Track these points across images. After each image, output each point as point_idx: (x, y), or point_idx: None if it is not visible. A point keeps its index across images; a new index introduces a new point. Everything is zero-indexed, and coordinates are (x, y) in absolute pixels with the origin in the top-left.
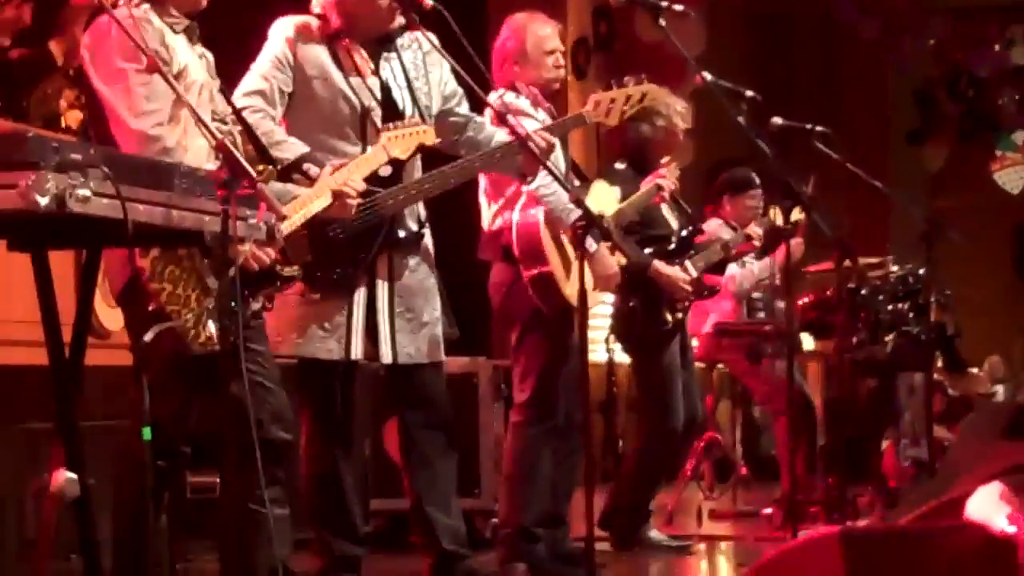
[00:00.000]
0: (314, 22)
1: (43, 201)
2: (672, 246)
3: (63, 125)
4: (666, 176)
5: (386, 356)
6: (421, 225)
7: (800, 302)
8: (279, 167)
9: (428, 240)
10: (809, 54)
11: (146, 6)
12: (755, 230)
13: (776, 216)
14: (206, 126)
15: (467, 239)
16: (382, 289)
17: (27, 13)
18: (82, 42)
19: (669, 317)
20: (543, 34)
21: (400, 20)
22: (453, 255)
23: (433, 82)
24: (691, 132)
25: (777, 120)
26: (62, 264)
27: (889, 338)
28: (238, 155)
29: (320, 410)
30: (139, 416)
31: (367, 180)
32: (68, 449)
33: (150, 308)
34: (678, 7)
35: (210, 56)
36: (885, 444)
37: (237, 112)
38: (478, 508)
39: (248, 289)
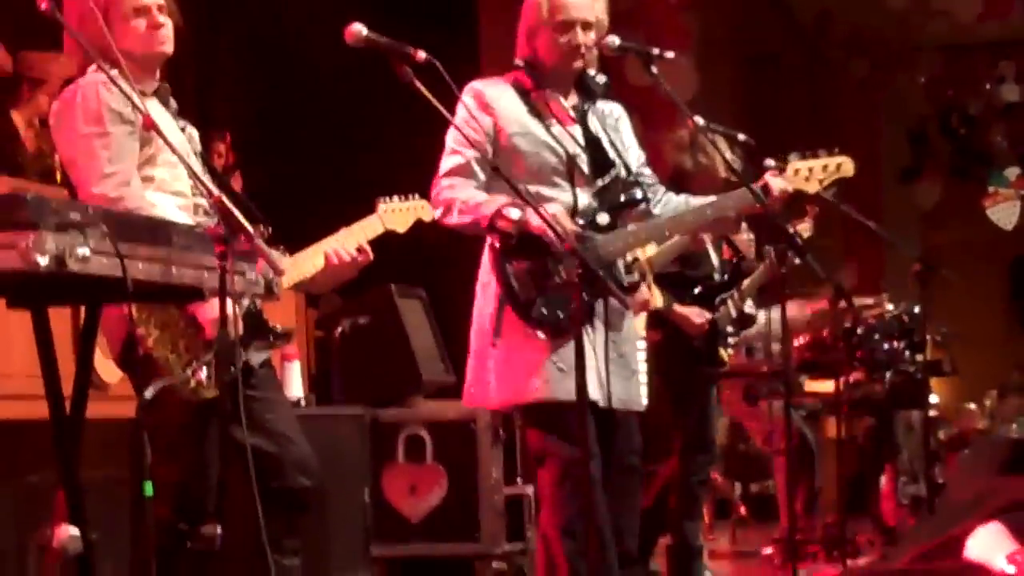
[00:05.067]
0: (505, 80)
1: (43, 261)
2: (715, 282)
3: (58, 180)
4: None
5: (601, 400)
6: (631, 273)
7: (796, 342)
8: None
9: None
10: (800, 94)
11: (115, 71)
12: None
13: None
14: (202, 181)
15: (462, 281)
16: (599, 334)
17: (8, 61)
18: (51, 111)
19: (725, 355)
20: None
21: (602, 77)
22: (447, 297)
23: (628, 143)
24: None
25: (770, 162)
26: (60, 318)
27: (886, 376)
28: (235, 211)
29: (566, 451)
30: (141, 472)
31: (584, 226)
32: (70, 503)
33: (138, 353)
34: (669, 54)
35: (194, 131)
36: (883, 482)
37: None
38: (479, 553)
39: (242, 344)
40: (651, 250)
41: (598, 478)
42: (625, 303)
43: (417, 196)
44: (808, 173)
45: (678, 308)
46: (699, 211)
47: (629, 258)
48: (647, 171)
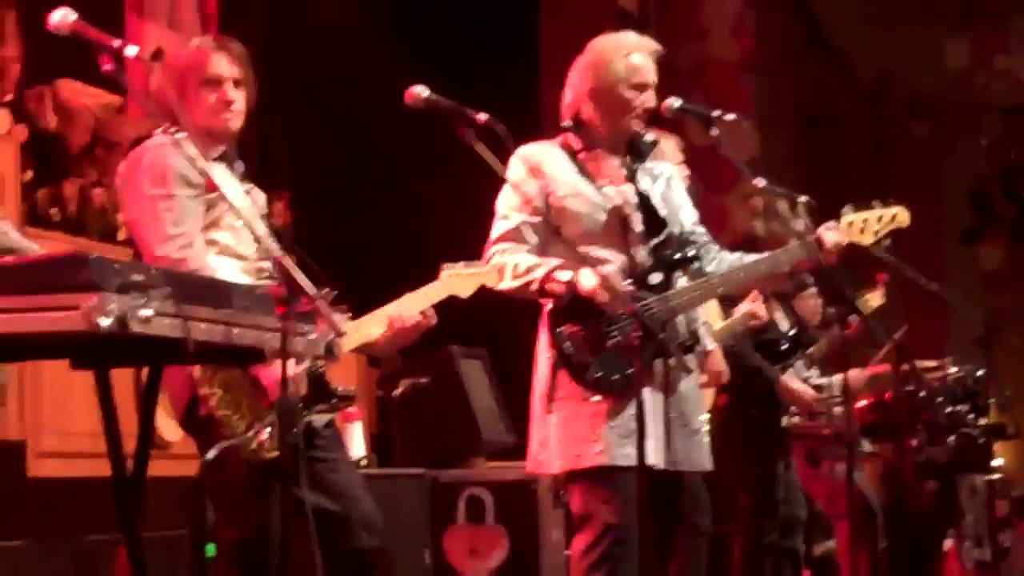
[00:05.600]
0: (554, 143)
1: (105, 323)
2: (784, 346)
3: (120, 238)
4: (757, 304)
5: (662, 463)
6: (693, 332)
7: (858, 405)
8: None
9: (703, 348)
10: (862, 154)
11: (182, 134)
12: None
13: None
14: (265, 243)
15: (524, 342)
16: (659, 396)
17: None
18: (119, 167)
19: (787, 422)
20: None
21: (650, 136)
22: (509, 358)
23: (680, 201)
24: None
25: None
26: (123, 376)
27: (949, 440)
28: (296, 272)
29: (611, 516)
30: (202, 531)
31: (636, 286)
32: (132, 563)
33: (201, 413)
34: (729, 116)
35: (260, 194)
36: (948, 547)
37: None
38: None
39: (304, 405)
40: (718, 324)
41: (635, 547)
42: (685, 366)
43: (481, 262)
44: (863, 225)
45: (791, 384)
46: (751, 266)
47: (700, 326)
48: (700, 229)
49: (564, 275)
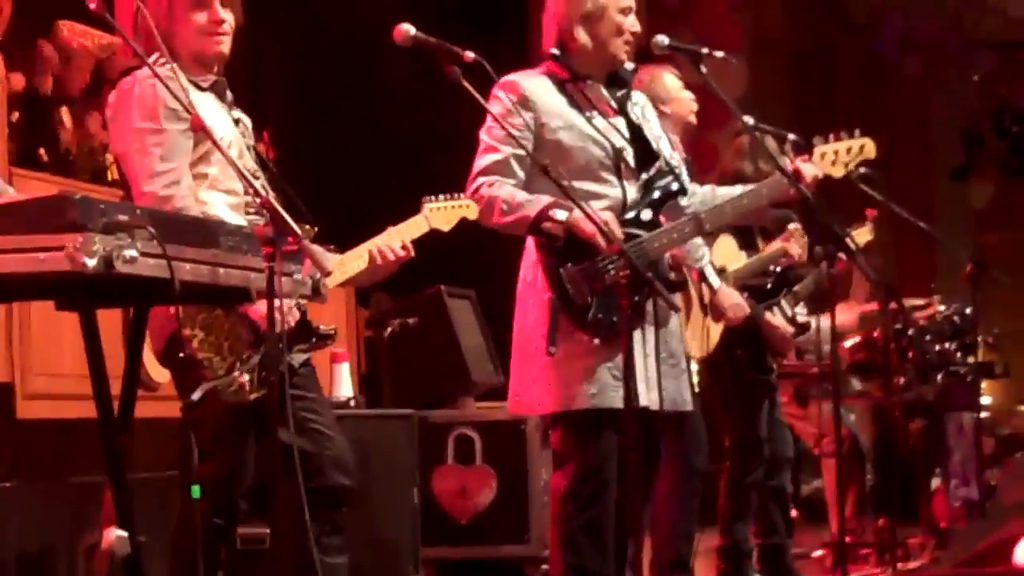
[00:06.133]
0: (539, 72)
1: (91, 263)
2: (768, 286)
3: (110, 178)
4: (792, 243)
5: (654, 402)
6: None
7: (846, 343)
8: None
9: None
10: (852, 91)
11: (171, 64)
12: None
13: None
14: (251, 183)
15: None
16: (650, 334)
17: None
18: (107, 103)
19: (774, 366)
20: None
21: (630, 65)
22: (497, 297)
23: (657, 132)
24: None
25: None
26: (110, 318)
27: (937, 378)
28: (282, 212)
29: (592, 458)
30: (189, 474)
31: (625, 224)
32: (119, 506)
33: (180, 355)
34: (719, 53)
35: (247, 120)
36: (935, 485)
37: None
38: (528, 555)
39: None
40: (736, 263)
41: (613, 489)
42: (673, 304)
43: (463, 196)
44: (834, 156)
45: (773, 320)
46: (736, 202)
47: (705, 264)
48: (677, 158)
49: (560, 213)
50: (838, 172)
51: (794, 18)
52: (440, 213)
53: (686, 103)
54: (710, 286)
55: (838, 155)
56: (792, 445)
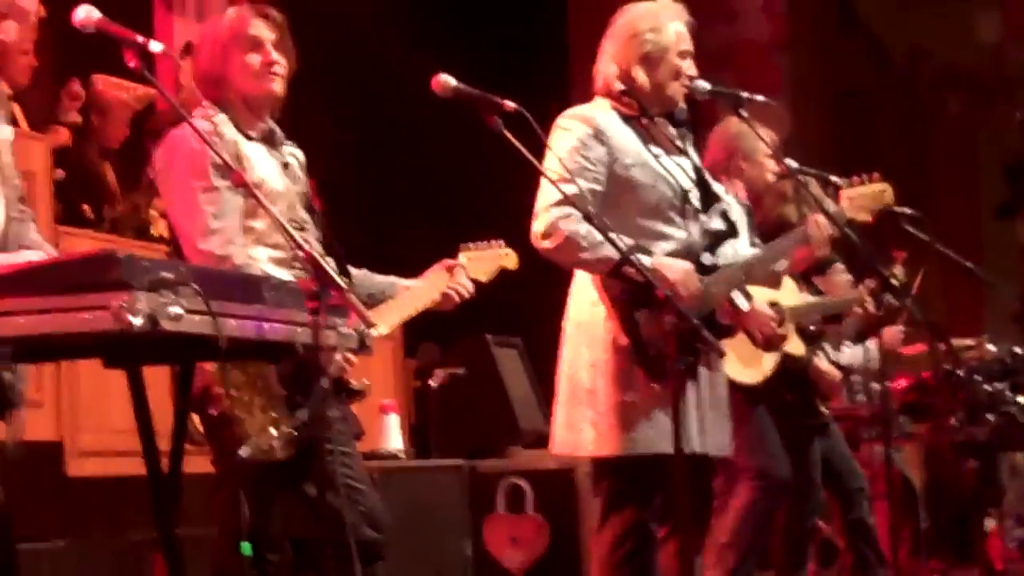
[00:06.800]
0: (608, 106)
1: (136, 322)
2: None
3: (155, 234)
4: (863, 296)
5: (699, 447)
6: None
7: (897, 385)
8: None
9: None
10: (895, 131)
11: (222, 116)
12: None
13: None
14: (295, 239)
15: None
16: (704, 379)
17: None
18: (155, 157)
19: (824, 410)
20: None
21: (683, 105)
22: (544, 345)
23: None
24: None
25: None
26: (157, 372)
27: (989, 418)
28: (326, 265)
29: (644, 503)
30: (231, 528)
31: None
32: (169, 561)
33: (214, 413)
34: (759, 97)
35: (299, 156)
36: (990, 526)
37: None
38: None
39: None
40: (795, 299)
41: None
42: (720, 350)
43: (501, 242)
44: (860, 201)
45: (822, 366)
46: (762, 260)
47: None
48: (737, 205)
49: (646, 259)
50: (865, 217)
51: (835, 60)
52: (479, 263)
53: (765, 168)
54: (738, 309)
55: (861, 200)
56: (862, 477)
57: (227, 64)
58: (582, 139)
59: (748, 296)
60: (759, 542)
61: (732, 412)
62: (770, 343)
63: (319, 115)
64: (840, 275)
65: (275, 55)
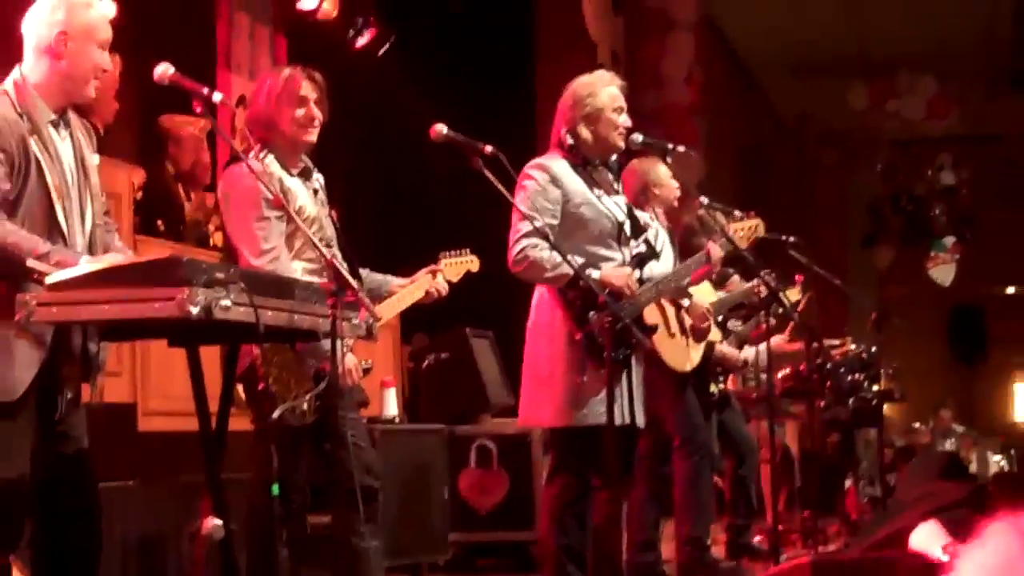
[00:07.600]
0: (558, 157)
1: (194, 311)
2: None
3: (212, 244)
4: (756, 288)
5: (629, 419)
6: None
7: (780, 374)
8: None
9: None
10: (786, 179)
11: (271, 157)
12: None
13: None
14: (322, 252)
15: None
16: (635, 365)
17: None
18: (219, 186)
19: (714, 388)
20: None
21: (614, 155)
22: (511, 336)
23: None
24: None
25: (760, 234)
26: (210, 350)
27: (850, 402)
28: (343, 272)
29: (585, 462)
30: (264, 473)
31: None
32: (215, 500)
33: (260, 387)
34: (681, 148)
35: (321, 179)
36: (848, 485)
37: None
38: (534, 539)
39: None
40: (711, 297)
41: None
42: (648, 345)
43: (467, 250)
44: (743, 233)
45: (725, 349)
46: (675, 277)
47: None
48: (662, 229)
49: (595, 272)
50: (743, 245)
51: (739, 122)
52: (452, 267)
53: (672, 189)
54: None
55: (745, 231)
56: (754, 441)
57: (278, 114)
58: (542, 184)
59: (690, 296)
60: (705, 495)
61: (667, 393)
62: (701, 335)
63: (338, 148)
64: (738, 283)
65: (316, 111)
